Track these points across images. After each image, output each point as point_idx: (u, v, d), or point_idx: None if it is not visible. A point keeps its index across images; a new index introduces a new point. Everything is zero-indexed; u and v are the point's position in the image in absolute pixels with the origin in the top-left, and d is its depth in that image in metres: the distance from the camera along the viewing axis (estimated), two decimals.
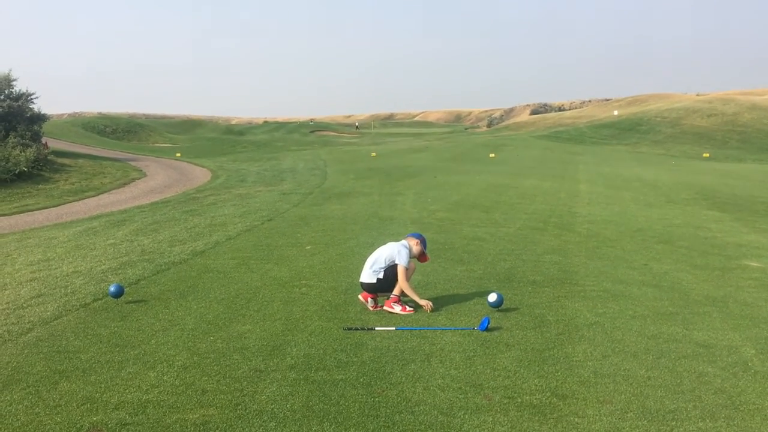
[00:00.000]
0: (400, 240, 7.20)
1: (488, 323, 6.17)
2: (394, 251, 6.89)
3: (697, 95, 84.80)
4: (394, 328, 6.24)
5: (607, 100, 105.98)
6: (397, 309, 6.78)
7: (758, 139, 53.79)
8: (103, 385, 4.91)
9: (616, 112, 71.00)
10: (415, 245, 7.06)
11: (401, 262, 6.77)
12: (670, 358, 5.57)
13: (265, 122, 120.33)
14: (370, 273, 6.93)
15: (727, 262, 9.85)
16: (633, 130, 58.03)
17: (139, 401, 4.62)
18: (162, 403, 4.60)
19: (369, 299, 6.96)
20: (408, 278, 6.92)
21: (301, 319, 6.59)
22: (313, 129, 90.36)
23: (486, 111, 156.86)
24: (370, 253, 7.18)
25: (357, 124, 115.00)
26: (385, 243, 7.24)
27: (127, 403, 4.59)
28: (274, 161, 36.47)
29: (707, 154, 44.52)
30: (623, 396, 4.76)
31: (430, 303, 6.78)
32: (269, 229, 12.35)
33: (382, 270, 6.87)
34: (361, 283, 7.04)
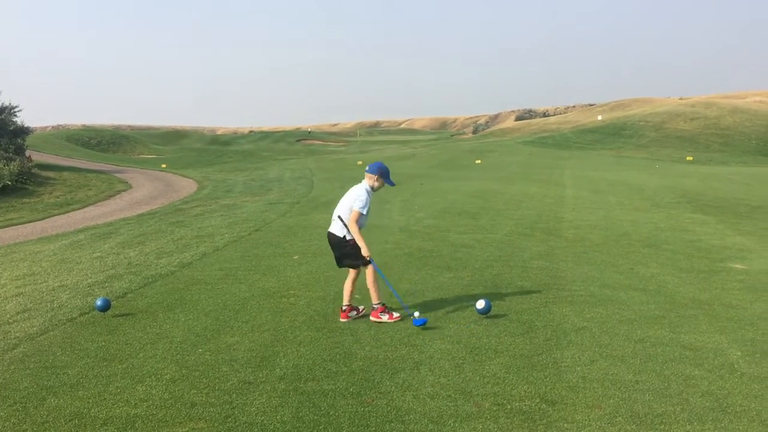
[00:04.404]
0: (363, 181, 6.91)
1: (424, 322, 6.51)
2: (354, 197, 6.72)
3: (680, 99, 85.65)
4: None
5: (591, 105, 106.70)
6: (385, 318, 6.75)
7: (740, 142, 54.35)
8: (91, 401, 4.87)
9: (600, 117, 71.56)
10: (375, 181, 6.84)
11: (357, 206, 6.61)
12: (658, 361, 5.61)
13: (251, 132, 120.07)
14: (338, 227, 6.76)
15: (712, 265, 9.94)
16: (617, 135, 58.47)
17: (128, 416, 4.59)
18: (151, 417, 4.57)
19: (351, 313, 6.91)
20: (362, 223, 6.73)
21: (289, 329, 6.57)
22: (299, 138, 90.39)
23: (471, 117, 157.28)
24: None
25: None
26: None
27: (116, 418, 4.56)
28: (261, 171, 36.42)
29: (691, 158, 44.91)
30: (612, 401, 4.78)
31: (369, 252, 6.63)
32: (256, 240, 12.32)
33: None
34: (329, 233, 6.88)
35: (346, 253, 6.82)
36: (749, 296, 8.02)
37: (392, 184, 7.03)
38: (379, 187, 6.91)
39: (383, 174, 6.86)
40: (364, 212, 6.67)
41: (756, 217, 15.87)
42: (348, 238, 6.73)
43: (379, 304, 6.80)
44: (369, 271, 6.76)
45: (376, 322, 6.74)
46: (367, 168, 6.97)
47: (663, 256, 10.67)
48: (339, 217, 6.77)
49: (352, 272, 6.93)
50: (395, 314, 6.84)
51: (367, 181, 6.86)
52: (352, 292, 6.92)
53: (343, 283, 6.99)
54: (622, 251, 11.03)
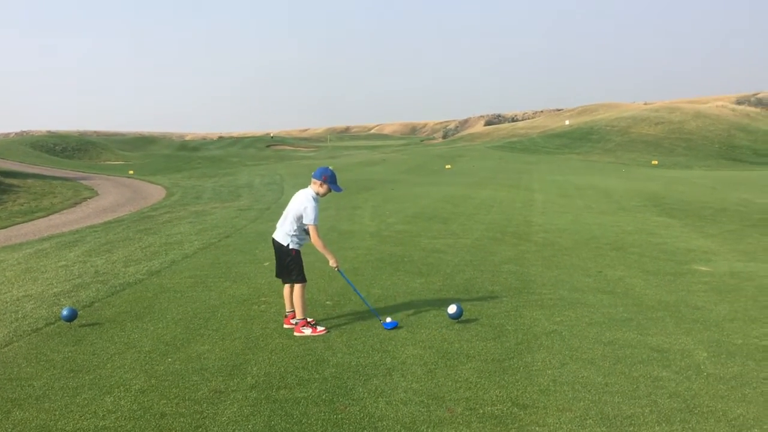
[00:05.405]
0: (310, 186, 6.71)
1: (395, 325, 6.69)
2: (301, 208, 6.52)
3: (645, 104, 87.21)
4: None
5: (559, 110, 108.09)
6: (307, 332, 6.56)
7: (704, 146, 55.53)
8: (57, 413, 4.77)
9: (567, 122, 72.53)
10: (320, 187, 6.63)
11: (310, 221, 6.47)
12: (626, 363, 5.69)
13: (220, 138, 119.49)
14: (282, 234, 6.66)
15: (677, 267, 10.12)
16: (584, 139, 59.31)
17: (96, 428, 4.51)
18: (119, 429, 4.50)
19: (294, 319, 6.76)
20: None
21: (261, 337, 6.52)
22: (269, 143, 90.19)
23: (441, 123, 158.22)
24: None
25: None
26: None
27: (84, 431, 4.47)
28: (230, 177, 36.14)
29: (656, 162, 45.72)
30: (582, 403, 4.84)
31: (337, 262, 6.68)
32: (227, 247, 12.21)
33: (295, 236, 6.60)
34: (273, 239, 6.76)
35: (286, 265, 6.71)
36: (714, 298, 8.18)
37: (339, 190, 6.82)
38: (325, 193, 6.68)
39: (329, 179, 6.62)
40: (317, 223, 6.56)
41: (720, 220, 16.22)
42: (291, 247, 6.66)
43: (302, 319, 6.64)
44: (298, 287, 6.65)
45: (299, 336, 6.52)
46: (312, 173, 6.74)
47: (630, 259, 10.84)
48: (290, 235, 6.64)
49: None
50: (319, 327, 6.65)
51: (312, 187, 6.66)
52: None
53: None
54: (591, 254, 11.18)
